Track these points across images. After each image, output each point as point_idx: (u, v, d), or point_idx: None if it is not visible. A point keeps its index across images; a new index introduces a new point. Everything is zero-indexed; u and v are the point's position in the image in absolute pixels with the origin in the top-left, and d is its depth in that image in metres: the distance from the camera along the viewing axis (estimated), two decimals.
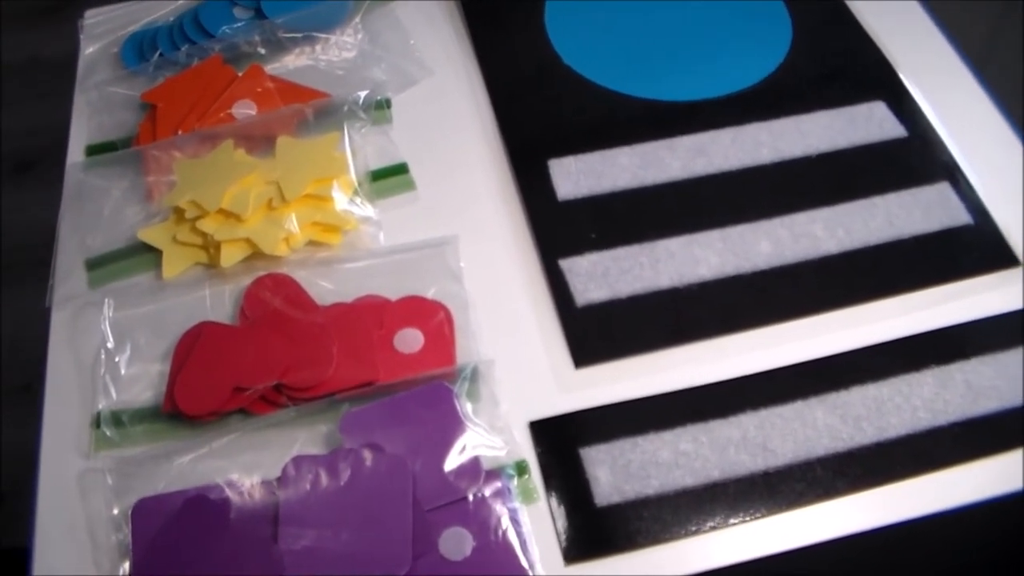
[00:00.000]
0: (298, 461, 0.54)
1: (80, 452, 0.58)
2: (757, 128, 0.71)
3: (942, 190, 0.68)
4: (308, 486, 0.53)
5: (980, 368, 0.59)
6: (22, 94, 1.75)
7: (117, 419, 0.58)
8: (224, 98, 0.72)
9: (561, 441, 0.57)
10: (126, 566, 0.53)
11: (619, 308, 0.62)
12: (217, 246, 0.63)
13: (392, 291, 0.63)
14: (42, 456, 0.58)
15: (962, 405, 0.58)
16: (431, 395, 0.57)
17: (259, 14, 0.78)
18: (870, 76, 0.75)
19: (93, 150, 0.72)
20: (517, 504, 0.54)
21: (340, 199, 0.66)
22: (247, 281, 0.63)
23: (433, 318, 0.61)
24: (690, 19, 0.79)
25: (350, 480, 0.53)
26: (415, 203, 0.69)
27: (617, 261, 0.64)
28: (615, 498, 0.55)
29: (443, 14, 0.82)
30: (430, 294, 0.63)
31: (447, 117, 0.74)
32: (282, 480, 0.53)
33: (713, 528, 0.54)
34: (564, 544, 0.54)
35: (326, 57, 0.77)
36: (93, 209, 0.68)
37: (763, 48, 0.77)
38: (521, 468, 0.56)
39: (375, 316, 0.61)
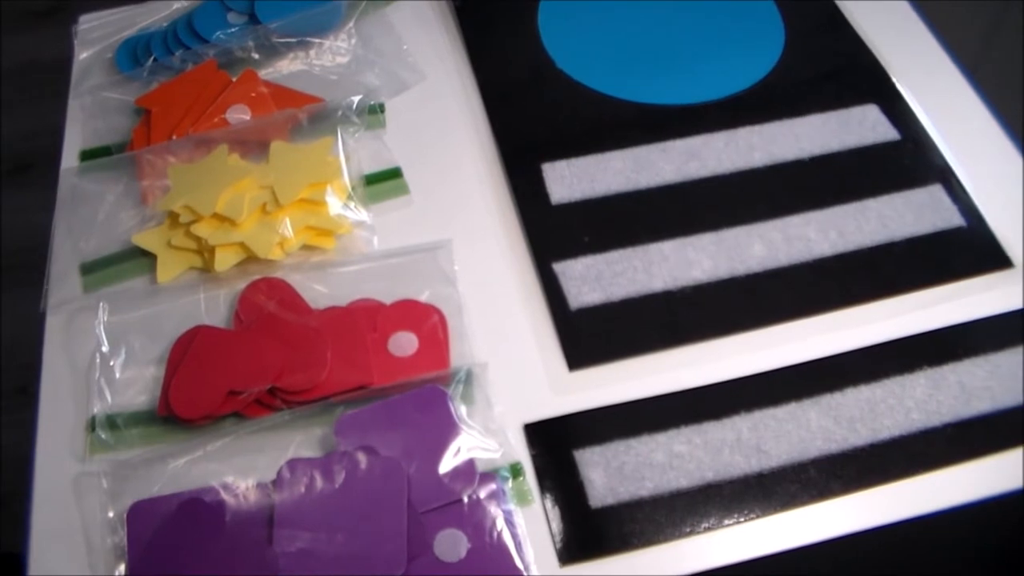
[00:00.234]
0: (293, 464, 0.54)
1: (75, 455, 0.58)
2: (750, 131, 0.72)
3: (935, 192, 0.68)
4: (303, 489, 0.53)
5: (973, 369, 0.60)
6: (18, 98, 1.75)
7: (112, 423, 0.58)
8: (218, 103, 0.72)
9: (555, 443, 0.57)
10: (121, 568, 0.53)
11: (613, 311, 0.63)
12: (211, 250, 0.64)
13: (386, 295, 0.63)
14: (37, 459, 0.58)
15: (955, 406, 0.58)
16: (426, 398, 0.57)
17: (253, 19, 0.78)
18: (863, 79, 0.75)
19: (87, 155, 0.72)
20: (512, 506, 0.54)
21: (334, 203, 0.66)
22: (241, 285, 0.63)
23: (427, 321, 0.61)
24: (683, 23, 0.80)
25: (345, 483, 0.53)
26: (409, 207, 0.69)
27: (610, 264, 0.65)
28: (609, 500, 0.55)
29: (436, 18, 0.82)
30: (424, 297, 0.63)
31: (440, 121, 0.74)
32: (277, 483, 0.54)
33: (707, 529, 0.54)
34: (559, 545, 0.54)
35: (320, 62, 0.77)
36: (87, 214, 0.68)
37: (756, 52, 0.77)
38: (516, 470, 0.56)
39: (369, 320, 0.61)
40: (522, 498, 0.55)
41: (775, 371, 0.60)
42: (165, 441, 0.58)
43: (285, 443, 0.57)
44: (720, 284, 0.64)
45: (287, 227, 0.64)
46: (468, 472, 0.55)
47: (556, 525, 0.54)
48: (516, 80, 0.76)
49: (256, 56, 0.76)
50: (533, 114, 0.74)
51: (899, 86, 0.74)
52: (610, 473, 0.56)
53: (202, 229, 0.64)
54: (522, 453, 0.57)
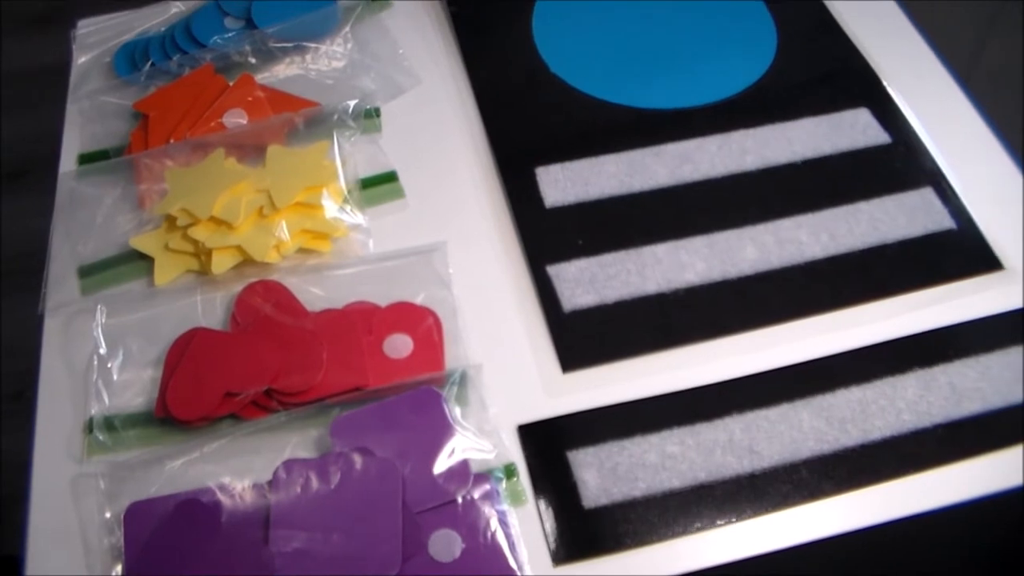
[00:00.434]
0: (289, 465, 0.54)
1: (73, 457, 0.58)
2: (743, 135, 0.72)
3: (925, 195, 0.68)
4: (299, 489, 0.54)
5: (963, 370, 0.60)
6: (14, 102, 1.76)
7: (110, 424, 0.58)
8: (215, 107, 0.72)
9: (549, 444, 0.58)
10: (118, 569, 0.53)
11: (606, 313, 0.63)
12: (208, 253, 0.64)
13: (381, 297, 0.63)
14: (35, 461, 0.58)
15: (946, 407, 0.59)
16: (420, 399, 0.57)
17: (250, 24, 0.78)
18: (854, 83, 0.76)
19: (85, 159, 0.72)
20: (506, 506, 0.55)
21: (330, 207, 0.66)
22: (238, 288, 0.63)
23: (422, 324, 0.62)
24: (676, 28, 0.80)
25: (340, 483, 0.54)
26: (404, 210, 0.69)
27: (604, 267, 0.65)
28: (603, 500, 0.56)
29: (432, 23, 0.82)
30: (419, 300, 0.63)
31: (436, 125, 0.75)
32: (273, 483, 0.54)
33: (700, 529, 0.55)
34: (552, 546, 0.54)
35: (316, 66, 0.78)
36: (85, 217, 0.68)
37: (748, 56, 0.77)
38: (510, 471, 0.56)
39: (365, 322, 0.62)
40: (516, 498, 0.55)
41: (767, 373, 0.60)
42: (162, 442, 0.58)
43: (281, 444, 0.57)
44: (713, 287, 0.64)
45: (283, 230, 0.64)
46: (462, 473, 0.55)
47: (550, 525, 0.55)
48: (511, 84, 0.77)
49: (253, 60, 0.77)
50: (527, 118, 0.74)
51: (890, 90, 0.75)
52: (603, 474, 0.56)
53: (199, 232, 0.64)
54: (516, 454, 0.57)
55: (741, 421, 0.58)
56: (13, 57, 1.83)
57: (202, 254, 0.65)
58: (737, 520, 0.55)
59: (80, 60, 0.80)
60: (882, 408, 0.59)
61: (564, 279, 0.65)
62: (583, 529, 0.55)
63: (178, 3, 0.82)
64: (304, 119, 0.71)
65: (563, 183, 0.69)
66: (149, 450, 0.58)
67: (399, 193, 0.70)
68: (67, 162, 0.72)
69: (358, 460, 0.55)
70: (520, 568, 0.53)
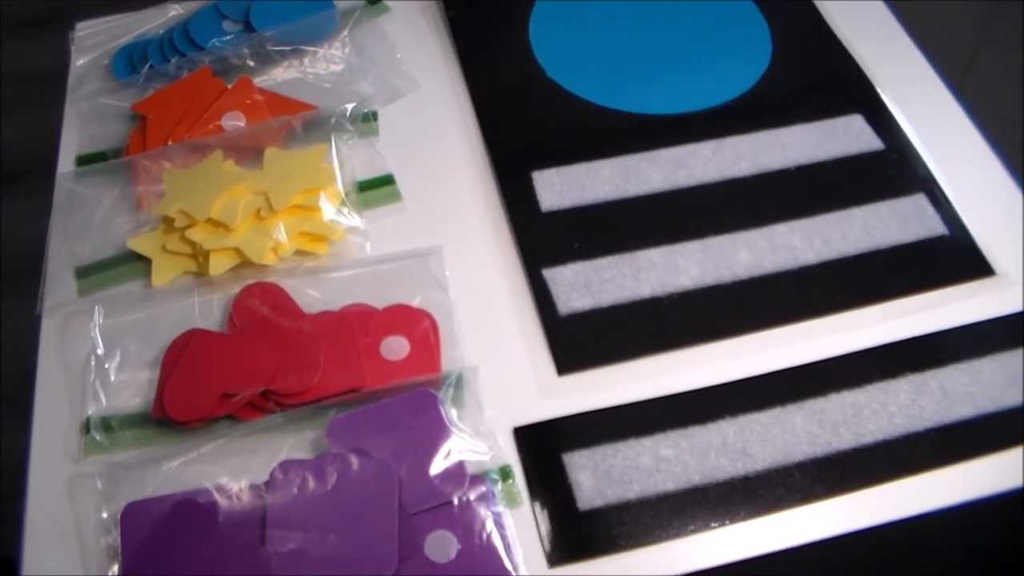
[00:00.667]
0: (286, 466, 0.55)
1: (69, 457, 0.58)
2: (737, 141, 0.73)
3: (918, 202, 0.69)
4: (296, 490, 0.54)
5: (955, 375, 0.60)
6: (11, 103, 1.75)
7: (107, 424, 0.58)
8: (213, 110, 0.73)
9: (544, 446, 0.58)
10: (115, 569, 0.53)
11: (601, 317, 0.64)
12: (206, 255, 0.64)
13: (378, 300, 0.64)
14: (32, 461, 0.58)
15: (937, 411, 0.59)
16: (417, 401, 0.58)
17: (248, 27, 0.78)
18: (848, 90, 0.76)
19: (83, 160, 0.72)
20: (501, 508, 0.55)
21: (327, 209, 0.67)
22: (235, 289, 0.64)
23: (418, 326, 0.62)
24: (672, 34, 0.81)
25: (337, 484, 0.54)
26: (401, 213, 0.70)
27: (599, 271, 0.66)
28: (597, 502, 0.56)
29: (429, 28, 0.83)
30: (416, 303, 0.64)
31: (433, 129, 0.75)
32: (270, 484, 0.54)
33: (694, 532, 0.55)
34: (548, 547, 0.54)
35: (314, 70, 0.78)
36: (83, 218, 0.68)
37: (743, 63, 0.78)
38: (505, 473, 0.56)
39: (361, 324, 0.62)
40: (511, 500, 0.56)
41: (761, 376, 0.61)
42: (159, 443, 0.58)
43: (278, 445, 0.57)
44: (707, 291, 0.65)
45: (281, 232, 0.65)
46: (458, 474, 0.55)
47: (545, 527, 0.55)
48: (507, 89, 0.77)
49: (251, 64, 0.77)
50: (524, 123, 0.75)
51: (883, 97, 0.75)
52: (598, 476, 0.57)
53: (197, 234, 0.64)
54: (511, 456, 0.58)
55: (735, 424, 0.59)
56: (10, 58, 1.83)
57: (200, 255, 0.65)
58: (731, 522, 0.55)
59: (78, 62, 0.80)
60: (874, 412, 0.59)
61: (560, 283, 0.65)
62: (578, 531, 0.55)
63: (176, 6, 0.82)
64: (302, 122, 0.72)
65: (559, 187, 0.70)
66: (146, 450, 0.58)
67: (396, 196, 0.70)
68: (65, 163, 0.73)
69: (354, 461, 0.55)
70: (515, 569, 0.53)
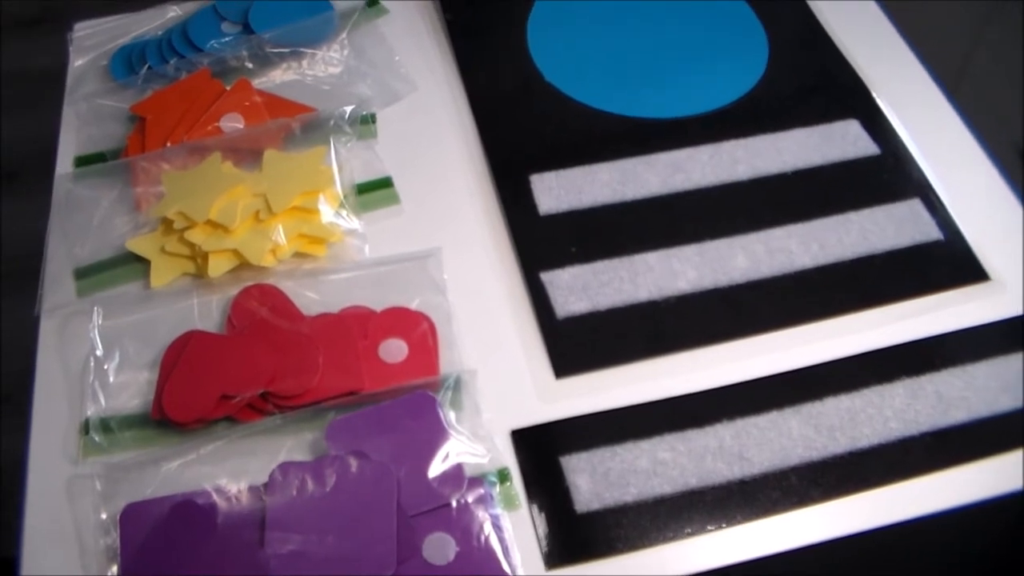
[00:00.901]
0: (285, 467, 0.55)
1: (68, 458, 0.58)
2: (734, 145, 0.73)
3: (914, 206, 0.69)
4: (295, 492, 0.54)
5: (950, 379, 0.61)
6: (7, 104, 1.75)
7: (106, 425, 0.59)
8: (212, 111, 0.73)
9: (542, 449, 0.58)
10: (114, 570, 0.53)
11: (599, 320, 0.64)
12: (205, 256, 0.64)
13: (377, 302, 0.64)
14: (31, 462, 0.58)
15: (932, 415, 0.59)
16: (415, 404, 0.58)
17: (247, 29, 0.78)
18: (845, 95, 0.77)
19: (82, 161, 0.72)
20: (499, 510, 0.55)
21: (326, 212, 0.67)
22: (234, 291, 0.64)
23: (417, 329, 0.62)
24: (669, 39, 0.81)
25: (336, 486, 0.54)
26: (399, 216, 0.70)
27: (597, 274, 0.66)
28: (595, 505, 0.56)
29: (427, 31, 0.83)
30: (414, 305, 0.64)
31: (431, 132, 0.75)
32: (269, 485, 0.54)
33: (690, 535, 0.55)
34: (545, 549, 0.55)
35: (312, 72, 0.78)
36: (82, 219, 0.68)
37: (740, 67, 0.78)
38: (503, 475, 0.57)
39: (360, 326, 0.62)
40: (509, 503, 0.56)
41: (757, 380, 0.61)
42: (158, 444, 0.58)
43: (277, 447, 0.58)
44: (704, 295, 0.65)
45: (280, 234, 0.65)
46: (456, 477, 0.56)
47: (542, 529, 0.55)
48: (505, 92, 0.77)
49: (250, 65, 0.77)
50: (522, 126, 0.75)
51: (880, 102, 0.76)
52: (595, 479, 0.57)
53: (195, 235, 0.65)
54: (509, 459, 0.58)
55: (731, 428, 0.59)
56: (7, 58, 1.82)
57: (198, 257, 0.65)
58: (727, 526, 0.56)
59: (77, 63, 0.80)
60: (870, 416, 0.59)
61: (557, 286, 0.65)
62: (575, 533, 0.55)
63: (175, 7, 0.82)
64: (301, 124, 0.72)
65: (557, 191, 0.70)
66: (145, 452, 0.58)
67: (394, 199, 0.70)
68: (63, 164, 0.73)
69: (353, 463, 0.55)
70: (513, 571, 0.53)
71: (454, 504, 0.55)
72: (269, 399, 0.59)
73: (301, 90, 0.77)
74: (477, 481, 0.56)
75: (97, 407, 0.60)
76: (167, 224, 0.66)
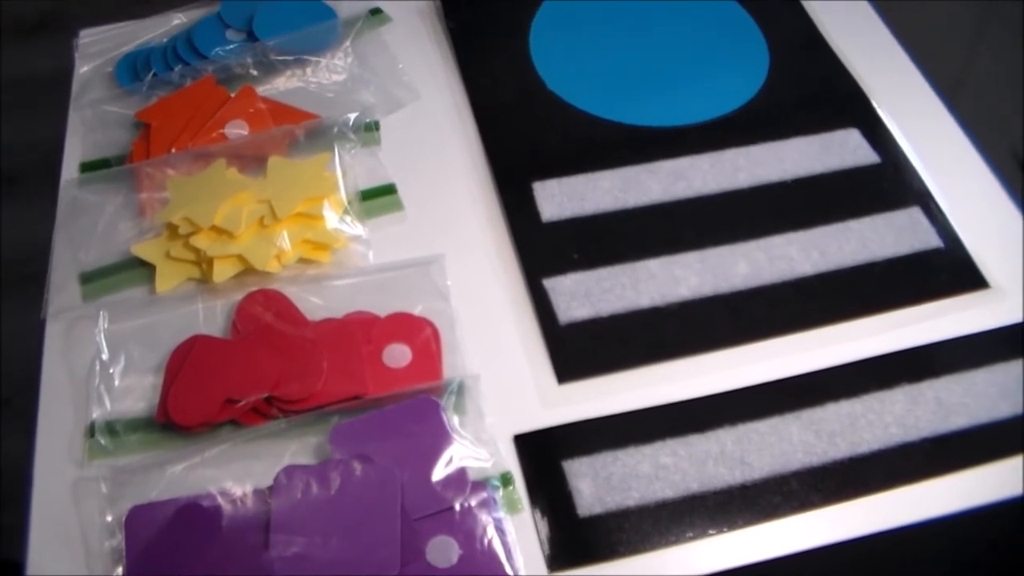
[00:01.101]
0: (290, 471, 0.55)
1: (74, 461, 0.58)
2: (735, 153, 0.73)
3: (913, 215, 0.70)
4: (299, 495, 0.54)
5: (950, 386, 0.61)
6: (8, 109, 1.75)
7: (111, 429, 0.59)
8: (217, 118, 0.73)
9: (545, 454, 0.59)
10: (119, 572, 0.54)
11: (601, 326, 0.64)
12: (210, 262, 0.65)
13: (380, 308, 0.64)
14: (37, 464, 0.59)
15: (932, 421, 0.60)
16: (419, 408, 0.58)
17: (251, 36, 0.79)
18: (845, 105, 0.77)
19: (87, 167, 0.73)
20: (502, 514, 0.56)
21: (331, 218, 0.67)
22: (239, 296, 0.64)
23: (420, 334, 0.63)
24: (671, 48, 0.81)
25: (340, 489, 0.55)
26: (403, 223, 0.70)
27: (599, 281, 0.66)
28: (597, 509, 0.56)
29: (430, 39, 0.84)
30: (417, 311, 0.64)
31: (434, 139, 0.76)
32: (274, 489, 0.55)
33: (692, 539, 0.56)
34: (548, 553, 0.55)
35: (316, 79, 0.79)
36: (87, 224, 0.69)
37: (741, 76, 0.79)
38: (506, 479, 0.57)
39: (364, 332, 0.63)
40: (512, 506, 0.56)
41: (758, 386, 0.62)
42: (163, 447, 0.59)
43: (281, 451, 0.58)
44: (705, 301, 0.65)
45: (284, 240, 0.65)
46: (460, 481, 0.56)
47: (545, 533, 0.56)
48: (508, 100, 0.78)
49: (254, 73, 0.78)
50: (524, 134, 0.75)
51: (879, 111, 0.76)
52: (598, 483, 0.57)
53: (201, 241, 0.65)
54: (512, 463, 0.58)
55: (733, 433, 0.59)
56: (8, 63, 1.83)
57: (203, 262, 0.65)
58: (728, 530, 0.56)
59: (82, 69, 0.80)
60: (870, 422, 0.60)
61: (560, 292, 0.66)
62: (578, 537, 0.56)
63: (180, 15, 0.83)
64: (305, 131, 0.72)
65: (559, 198, 0.71)
66: (150, 455, 0.58)
67: (398, 205, 0.71)
68: (69, 170, 0.73)
69: (357, 467, 0.55)
70: (516, 574, 0.53)
71: (457, 508, 0.55)
72: (273, 403, 0.59)
73: (305, 97, 0.77)
74: (480, 485, 0.56)
75: (102, 410, 0.60)
76: (172, 229, 0.66)
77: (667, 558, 0.55)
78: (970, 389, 0.61)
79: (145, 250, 0.66)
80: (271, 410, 0.59)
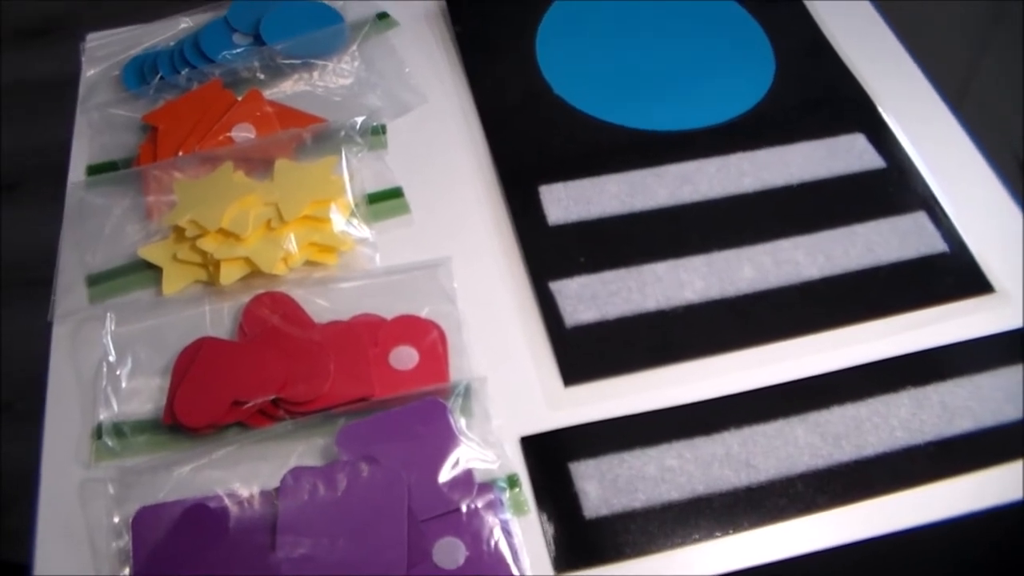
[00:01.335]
0: (297, 472, 0.55)
1: (81, 462, 0.59)
2: (741, 158, 0.74)
3: (919, 219, 0.70)
4: (306, 496, 0.55)
5: (955, 389, 0.61)
6: (15, 112, 1.76)
7: (118, 430, 0.59)
8: (224, 121, 0.73)
9: (551, 456, 0.59)
10: (126, 572, 0.54)
11: (607, 329, 0.64)
12: (216, 264, 0.65)
13: (387, 310, 0.64)
14: (43, 466, 0.59)
15: (938, 425, 0.60)
16: (426, 410, 0.58)
17: (258, 40, 0.79)
18: (850, 109, 0.77)
19: (94, 169, 0.73)
20: (509, 515, 0.56)
21: (337, 221, 0.67)
22: (246, 299, 0.64)
23: (427, 336, 0.63)
24: (677, 52, 0.82)
25: (347, 491, 0.55)
26: (410, 226, 0.70)
27: (605, 284, 0.66)
28: (603, 511, 0.57)
29: (437, 43, 0.84)
30: (424, 313, 0.64)
31: (441, 143, 0.76)
32: (281, 490, 0.55)
33: (697, 541, 0.56)
34: (554, 554, 0.55)
35: (323, 83, 0.79)
36: (94, 227, 0.69)
37: (747, 81, 0.79)
38: (513, 481, 0.57)
39: (371, 334, 0.63)
40: (519, 508, 0.56)
41: (764, 389, 0.62)
42: (170, 449, 0.59)
43: (288, 452, 0.58)
44: (711, 305, 0.65)
45: (291, 243, 0.66)
46: (467, 482, 0.56)
47: (551, 534, 0.56)
48: (514, 104, 0.78)
49: (261, 76, 0.78)
50: (531, 137, 0.75)
51: (885, 116, 0.77)
52: (604, 485, 0.57)
53: (208, 243, 0.65)
54: (519, 465, 0.58)
55: (738, 436, 0.60)
56: (8, 69, 1.83)
57: (210, 265, 0.66)
58: (734, 532, 0.56)
59: (89, 72, 0.81)
60: (876, 425, 0.60)
61: (566, 295, 0.66)
62: (584, 539, 0.56)
63: (187, 18, 0.83)
64: (312, 135, 0.73)
65: (565, 201, 0.71)
66: (157, 456, 0.58)
67: (405, 208, 0.71)
68: (76, 172, 0.73)
69: (364, 468, 0.56)
70: (522, 575, 0.54)
71: (464, 509, 0.55)
72: (280, 405, 0.59)
73: (312, 101, 0.77)
74: (487, 487, 0.56)
75: (110, 412, 0.60)
76: (179, 232, 0.66)
77: (673, 560, 0.55)
78: (975, 393, 0.61)
79: (152, 252, 0.67)
80: (278, 412, 0.59)
